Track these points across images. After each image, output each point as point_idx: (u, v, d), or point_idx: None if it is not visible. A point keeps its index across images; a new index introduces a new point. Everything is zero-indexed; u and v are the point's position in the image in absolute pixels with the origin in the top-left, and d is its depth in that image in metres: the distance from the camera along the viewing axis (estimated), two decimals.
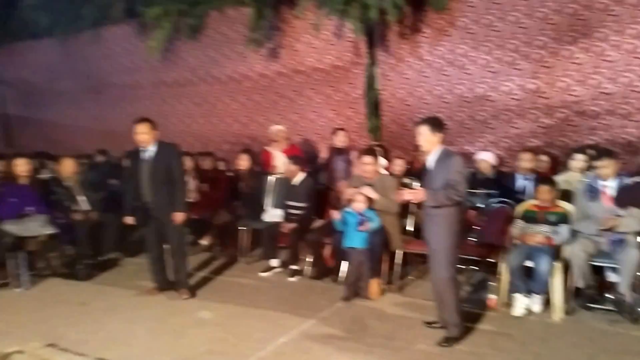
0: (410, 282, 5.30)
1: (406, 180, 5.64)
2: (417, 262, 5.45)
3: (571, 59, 5.81)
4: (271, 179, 6.38)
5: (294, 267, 5.56)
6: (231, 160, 7.61)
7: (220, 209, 6.48)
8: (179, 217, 4.80)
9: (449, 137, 6.72)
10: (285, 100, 7.90)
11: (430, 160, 3.87)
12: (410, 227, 5.44)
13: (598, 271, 4.48)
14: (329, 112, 7.57)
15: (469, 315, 4.21)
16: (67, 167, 6.07)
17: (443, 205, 3.71)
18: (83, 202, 5.97)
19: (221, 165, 7.45)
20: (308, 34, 7.47)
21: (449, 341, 3.82)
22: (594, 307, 4.39)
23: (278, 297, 4.96)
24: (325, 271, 5.40)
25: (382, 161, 5.56)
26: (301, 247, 5.61)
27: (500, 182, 5.53)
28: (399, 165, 6.08)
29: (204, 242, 6.51)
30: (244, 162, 6.62)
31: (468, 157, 6.29)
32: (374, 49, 7.10)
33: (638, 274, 4.09)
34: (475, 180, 5.67)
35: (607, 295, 4.43)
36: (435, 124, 3.84)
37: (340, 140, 6.42)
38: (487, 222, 5.04)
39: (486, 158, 5.82)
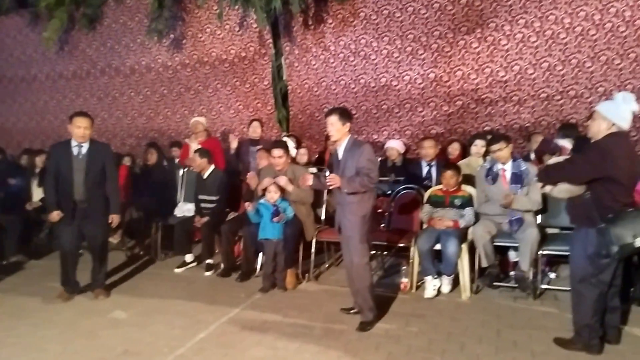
0: (326, 270, 5.17)
1: (314, 170, 5.45)
2: (332, 250, 5.33)
3: (467, 48, 5.89)
4: (182, 172, 5.99)
5: (209, 261, 5.24)
6: (139, 155, 7.15)
7: (127, 206, 5.96)
8: (117, 219, 4.58)
9: (356, 126, 6.73)
10: (192, 93, 7.41)
11: (340, 149, 3.79)
12: (323, 216, 5.26)
13: (501, 251, 4.56)
14: (236, 104, 7.22)
15: (383, 299, 4.15)
16: None
17: (356, 193, 3.64)
18: None
19: (127, 161, 6.83)
20: (212, 24, 7.05)
21: (364, 325, 3.76)
22: (499, 285, 4.47)
23: (195, 293, 4.65)
24: (238, 265, 5.11)
25: (294, 152, 5.31)
26: (216, 241, 5.31)
27: (407, 169, 5.51)
28: (303, 155, 5.90)
29: (112, 240, 5.93)
30: (151, 157, 6.13)
31: (376, 145, 6.25)
32: (280, 39, 6.83)
33: (539, 252, 4.18)
34: (384, 167, 5.62)
35: (510, 273, 4.52)
36: (344, 113, 3.77)
37: (254, 131, 6.10)
38: (396, 208, 4.99)
39: (395, 146, 5.79)
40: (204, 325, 3.88)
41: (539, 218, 4.44)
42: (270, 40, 6.89)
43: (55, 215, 4.39)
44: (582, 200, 3.15)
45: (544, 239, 4.26)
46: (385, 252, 5.28)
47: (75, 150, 4.36)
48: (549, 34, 5.53)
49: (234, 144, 6.14)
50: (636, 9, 5.16)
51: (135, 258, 5.79)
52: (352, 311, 3.98)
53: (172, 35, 7.31)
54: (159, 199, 5.97)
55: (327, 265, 5.24)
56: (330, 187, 3.80)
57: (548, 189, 3.32)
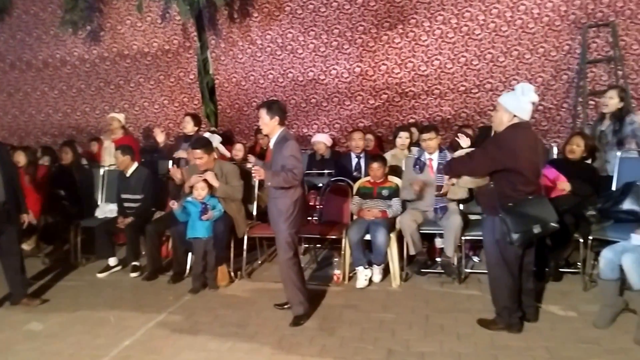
0: (259, 267, 5.04)
1: (248, 165, 5.30)
2: (265, 246, 5.21)
3: (391, 43, 5.96)
4: (102, 171, 5.63)
5: (135, 263, 4.94)
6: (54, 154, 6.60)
7: (44, 209, 5.46)
8: (27, 218, 4.34)
9: (286, 120, 6.60)
10: (112, 87, 6.99)
11: (271, 143, 3.75)
12: (255, 212, 5.11)
13: (428, 238, 4.65)
14: (161, 99, 6.89)
15: (317, 293, 4.12)
16: None
17: (282, 188, 3.59)
18: None
19: (45, 160, 6.28)
20: (132, 16, 6.67)
21: (297, 320, 3.70)
22: (426, 272, 4.56)
23: (120, 298, 4.38)
24: (165, 266, 4.90)
25: (221, 147, 5.12)
26: (141, 242, 5.01)
27: (337, 162, 5.50)
28: (239, 150, 5.73)
29: (26, 247, 5.42)
30: (66, 156, 5.70)
31: (306, 139, 6.20)
32: (204, 32, 6.57)
33: (462, 238, 4.30)
34: (313, 161, 5.57)
35: (437, 259, 4.63)
36: (272, 107, 3.68)
37: (188, 126, 5.78)
38: (327, 201, 4.97)
39: (321, 140, 5.75)
40: (130, 331, 3.66)
41: (461, 205, 4.56)
42: (195, 33, 6.63)
43: None
44: (486, 190, 3.25)
45: (467, 225, 4.38)
46: (318, 245, 5.24)
47: None
48: (465, 30, 5.70)
49: (160, 138, 5.83)
50: (543, 7, 5.44)
51: (54, 265, 5.32)
52: (285, 306, 3.90)
53: (88, 27, 6.85)
54: (78, 200, 5.56)
55: (260, 262, 5.11)
56: (255, 179, 3.71)
57: (454, 180, 3.40)
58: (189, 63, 6.71)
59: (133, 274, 4.86)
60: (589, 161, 4.47)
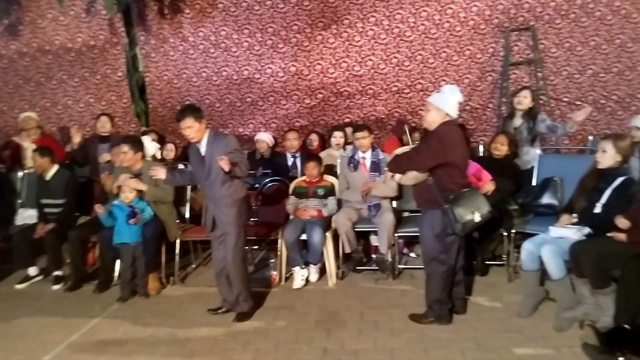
0: (193, 271, 4.88)
1: (181, 166, 5.12)
2: (199, 250, 5.05)
3: (325, 43, 5.94)
4: (21, 175, 5.27)
5: (57, 273, 4.62)
6: None
7: None
8: None
9: (222, 120, 6.48)
10: (32, 85, 6.50)
11: (202, 145, 3.63)
12: (188, 214, 4.94)
13: (364, 236, 4.69)
14: (86, 97, 6.49)
15: (254, 295, 4.00)
16: None
17: (230, 187, 3.59)
18: None
19: None
20: (54, 10, 6.25)
21: (241, 316, 3.71)
22: (362, 269, 4.58)
23: (41, 310, 4.10)
24: (90, 274, 4.65)
25: (152, 148, 4.90)
26: (64, 250, 4.68)
27: (274, 162, 5.43)
28: (170, 150, 5.53)
29: None
30: None
31: (242, 139, 6.07)
32: (133, 28, 6.28)
33: (395, 234, 4.35)
34: (252, 160, 5.47)
35: (373, 256, 4.66)
36: (196, 111, 3.58)
37: (103, 126, 5.52)
38: (263, 201, 4.88)
39: (264, 139, 5.67)
40: (51, 345, 3.43)
41: (394, 203, 4.63)
42: (123, 29, 6.29)
43: None
44: (426, 185, 3.34)
45: (400, 222, 4.46)
46: (255, 247, 5.14)
47: None
48: (396, 32, 5.79)
49: (76, 139, 5.52)
50: (469, 10, 5.62)
51: None
52: (219, 311, 3.82)
53: (6, 21, 6.34)
54: None
55: (194, 266, 4.94)
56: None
57: (397, 177, 3.48)
58: (116, 60, 6.38)
59: (55, 286, 4.55)
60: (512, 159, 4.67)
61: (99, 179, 4.99)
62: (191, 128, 3.52)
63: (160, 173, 3.77)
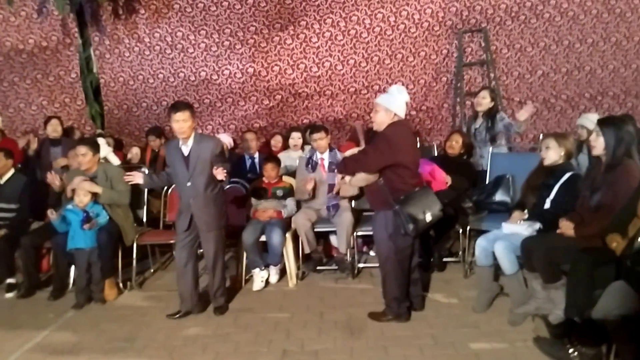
0: (152, 276, 4.73)
1: (144, 169, 4.96)
2: (157, 254, 4.91)
3: (282, 44, 5.91)
4: None
5: (10, 280, 4.41)
6: None
7: None
8: None
9: None
10: None
11: (187, 145, 3.62)
12: (145, 218, 4.80)
13: (324, 236, 4.66)
14: (39, 99, 6.25)
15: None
16: None
17: (215, 187, 3.66)
18: None
19: None
20: (4, 10, 5.97)
21: (222, 309, 3.82)
22: (322, 269, 4.54)
23: None
24: (44, 281, 4.45)
25: (106, 150, 4.74)
26: (16, 256, 4.45)
27: (233, 164, 5.32)
28: (136, 154, 5.38)
29: None
30: None
31: None
32: (87, 28, 6.07)
33: (354, 234, 4.35)
34: None
35: (332, 256, 4.64)
36: (193, 107, 3.69)
37: (54, 130, 5.31)
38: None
39: (224, 141, 5.53)
40: (3, 355, 3.28)
41: (353, 202, 4.62)
42: (76, 30, 6.10)
43: None
44: (377, 187, 3.32)
45: (359, 221, 4.45)
46: None
47: None
48: (353, 33, 5.81)
49: (34, 145, 5.29)
50: (423, 12, 5.70)
51: None
52: (177, 315, 3.73)
53: None
54: None
55: (152, 271, 4.80)
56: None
57: (347, 179, 3.47)
58: (69, 61, 6.16)
59: (8, 294, 4.34)
60: (466, 157, 4.75)
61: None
62: (186, 122, 3.51)
63: (137, 178, 3.71)
